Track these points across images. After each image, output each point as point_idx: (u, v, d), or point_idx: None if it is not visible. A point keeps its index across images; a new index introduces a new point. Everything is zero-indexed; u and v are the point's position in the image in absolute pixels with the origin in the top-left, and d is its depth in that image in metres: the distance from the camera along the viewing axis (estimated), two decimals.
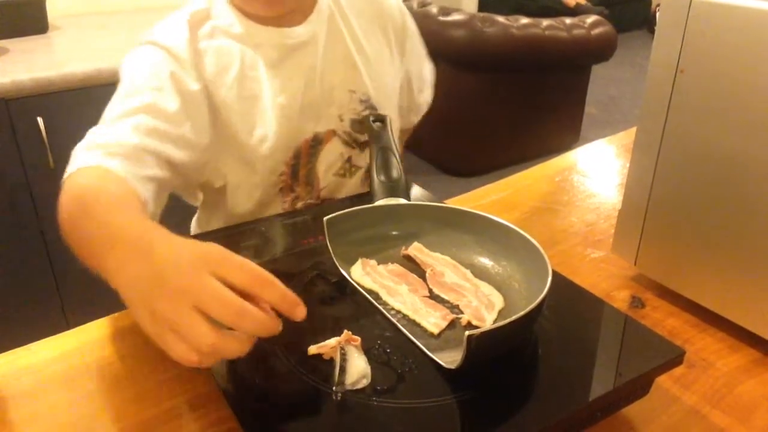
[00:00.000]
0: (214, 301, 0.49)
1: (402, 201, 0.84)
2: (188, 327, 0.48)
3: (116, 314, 0.77)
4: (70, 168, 0.74)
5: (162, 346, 0.50)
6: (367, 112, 1.01)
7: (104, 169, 0.73)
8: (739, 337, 0.75)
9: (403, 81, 1.12)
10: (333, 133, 1.00)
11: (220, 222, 1.04)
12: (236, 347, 0.50)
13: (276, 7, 0.92)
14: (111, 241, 0.58)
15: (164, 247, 0.54)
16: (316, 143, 0.99)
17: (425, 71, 1.19)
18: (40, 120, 1.60)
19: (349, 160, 1.03)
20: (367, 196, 0.87)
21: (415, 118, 1.21)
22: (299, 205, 1.01)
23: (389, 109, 1.05)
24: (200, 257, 0.51)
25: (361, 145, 1.03)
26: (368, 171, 1.02)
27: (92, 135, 0.80)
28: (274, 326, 0.51)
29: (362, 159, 1.04)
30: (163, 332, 0.49)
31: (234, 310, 0.49)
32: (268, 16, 0.93)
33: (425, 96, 1.20)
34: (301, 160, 0.98)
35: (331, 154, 1.01)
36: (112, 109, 0.83)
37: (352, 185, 1.04)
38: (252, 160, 0.95)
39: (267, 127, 0.93)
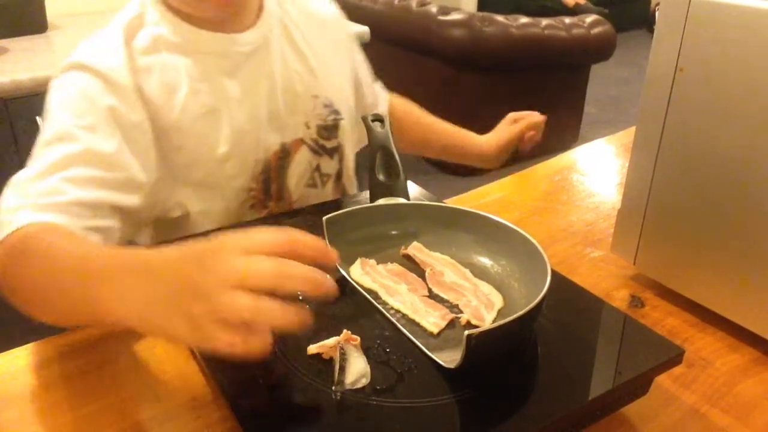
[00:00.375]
0: (250, 274, 0.47)
1: (401, 200, 0.84)
2: (229, 305, 0.47)
3: None
4: None
5: (210, 345, 0.48)
6: (332, 117, 0.99)
7: (37, 223, 0.67)
8: (738, 337, 0.75)
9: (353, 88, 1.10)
10: (300, 142, 0.96)
11: None
12: (278, 309, 0.48)
13: (229, 7, 0.87)
14: (98, 273, 0.56)
15: (166, 259, 0.53)
16: (284, 155, 0.95)
17: (370, 77, 1.16)
18: (39, 120, 1.60)
19: (318, 168, 0.99)
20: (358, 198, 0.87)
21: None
22: None
23: (348, 113, 1.03)
24: (218, 248, 0.50)
25: (330, 152, 1.00)
26: (338, 179, 1.02)
27: (16, 190, 0.71)
28: (318, 278, 0.49)
29: (331, 166, 1.01)
30: (206, 330, 0.47)
31: (273, 272, 0.48)
32: (213, 22, 0.86)
33: (375, 100, 1.17)
34: (271, 174, 0.94)
35: (301, 165, 0.97)
36: (39, 157, 0.74)
37: (324, 196, 1.01)
38: (216, 184, 0.89)
39: (229, 143, 0.87)
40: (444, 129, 1.21)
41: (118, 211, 0.78)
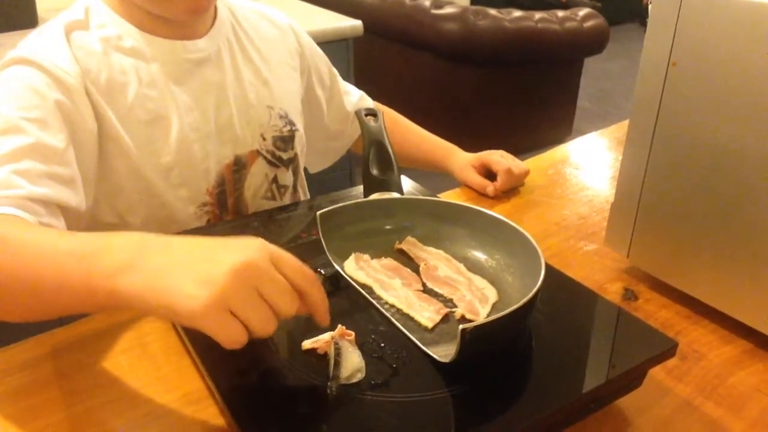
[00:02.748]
0: (289, 269, 0.52)
1: (395, 195, 0.84)
2: (277, 294, 0.51)
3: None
4: None
5: (215, 328, 0.50)
6: (288, 128, 0.98)
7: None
8: (731, 329, 0.76)
9: (317, 98, 1.09)
10: (256, 153, 0.95)
11: None
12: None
13: (197, 13, 0.85)
14: (101, 248, 0.54)
15: (184, 238, 0.54)
16: (239, 167, 0.93)
17: (343, 84, 1.15)
18: None
19: (275, 180, 0.98)
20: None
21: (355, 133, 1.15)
22: None
23: (300, 125, 1.02)
24: (261, 243, 0.53)
25: (286, 164, 1.00)
26: (294, 190, 1.02)
27: None
28: (326, 309, 0.56)
29: (287, 177, 1.00)
30: (222, 314, 0.49)
31: (306, 275, 0.53)
32: (165, 27, 0.85)
33: (353, 98, 1.15)
34: (226, 188, 0.92)
35: (257, 177, 0.96)
36: None
37: None
38: (159, 193, 0.86)
39: (175, 152, 0.85)
40: (430, 145, 1.18)
41: (64, 211, 0.75)
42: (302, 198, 1.06)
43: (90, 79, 0.80)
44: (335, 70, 1.13)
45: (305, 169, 1.09)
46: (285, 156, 0.99)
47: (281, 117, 0.97)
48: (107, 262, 0.53)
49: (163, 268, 0.51)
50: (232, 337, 0.50)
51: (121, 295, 0.52)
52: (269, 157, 0.97)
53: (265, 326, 0.51)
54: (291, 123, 0.99)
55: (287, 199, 1.02)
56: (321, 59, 1.10)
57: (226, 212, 0.94)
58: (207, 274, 0.49)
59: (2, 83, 0.77)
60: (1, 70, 0.78)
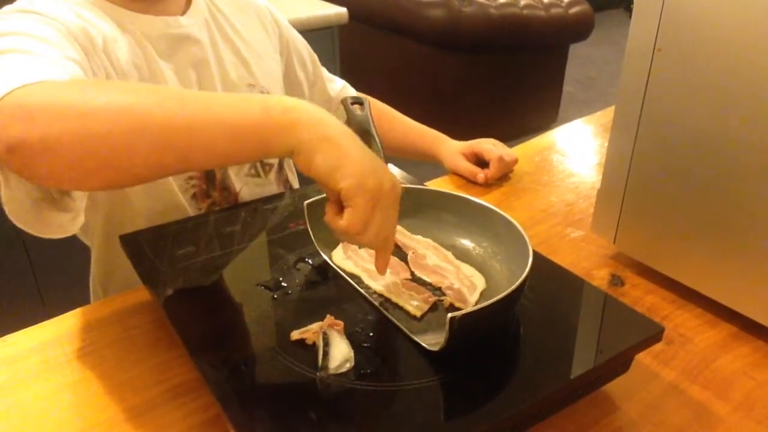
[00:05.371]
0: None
1: None
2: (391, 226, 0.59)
3: (95, 303, 0.76)
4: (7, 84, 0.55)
5: (360, 205, 0.55)
6: None
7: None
8: (716, 313, 0.77)
9: (298, 80, 1.08)
10: None
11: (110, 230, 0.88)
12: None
13: None
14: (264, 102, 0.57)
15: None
16: None
17: (325, 71, 1.15)
18: None
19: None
20: None
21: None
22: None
23: None
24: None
25: None
26: (280, 169, 1.01)
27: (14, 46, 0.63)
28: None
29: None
30: (369, 202, 0.56)
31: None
32: (144, 5, 0.83)
33: (336, 86, 1.15)
34: None
35: None
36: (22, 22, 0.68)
37: (267, 185, 1.00)
38: None
39: None
40: (416, 134, 1.18)
41: None
42: (289, 176, 1.05)
43: (89, 37, 0.77)
44: (315, 56, 1.13)
45: None
46: None
47: (263, 95, 0.97)
48: (288, 102, 0.58)
49: (338, 135, 0.57)
50: (356, 223, 0.55)
51: (299, 123, 0.56)
52: None
53: (383, 240, 0.59)
54: None
55: (272, 177, 1.01)
56: (300, 42, 1.10)
57: (213, 187, 0.94)
58: (383, 171, 0.58)
59: (5, 18, 0.71)
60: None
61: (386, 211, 0.57)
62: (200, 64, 0.90)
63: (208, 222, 0.82)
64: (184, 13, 0.89)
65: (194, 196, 0.92)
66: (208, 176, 0.92)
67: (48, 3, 0.75)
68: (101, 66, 0.77)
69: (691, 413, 0.64)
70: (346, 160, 0.56)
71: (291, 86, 1.08)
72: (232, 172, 0.95)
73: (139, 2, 0.84)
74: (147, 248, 0.75)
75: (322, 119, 0.57)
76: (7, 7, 0.74)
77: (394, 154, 1.17)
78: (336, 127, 0.57)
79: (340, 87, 1.15)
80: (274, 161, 1.01)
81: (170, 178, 0.88)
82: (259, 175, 0.99)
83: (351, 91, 1.17)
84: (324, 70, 1.14)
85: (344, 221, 0.56)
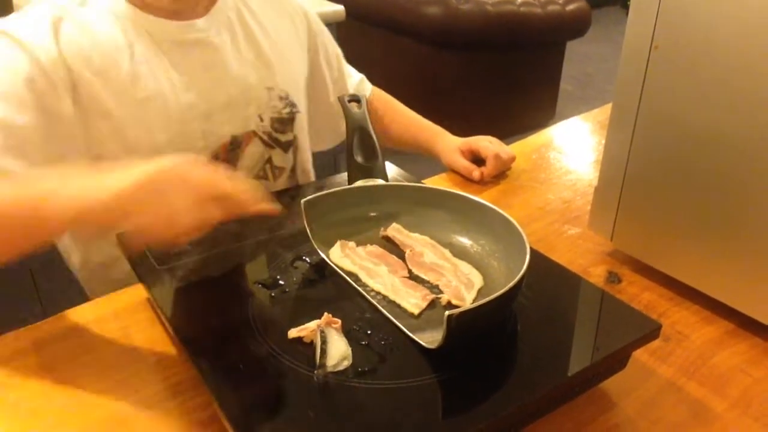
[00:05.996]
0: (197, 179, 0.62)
1: (380, 181, 0.83)
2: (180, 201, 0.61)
3: (93, 301, 0.76)
4: None
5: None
6: (288, 110, 0.97)
7: None
8: (713, 310, 0.77)
9: (317, 78, 1.09)
10: (253, 134, 0.94)
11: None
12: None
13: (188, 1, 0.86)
14: (73, 173, 0.64)
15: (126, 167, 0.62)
16: (234, 147, 0.93)
17: (348, 66, 1.15)
18: None
19: (269, 161, 0.98)
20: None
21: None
22: None
23: (303, 106, 1.01)
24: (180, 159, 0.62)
25: (284, 146, 0.99)
26: (292, 172, 1.01)
27: None
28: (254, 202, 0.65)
29: (285, 160, 1.00)
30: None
31: (214, 183, 0.63)
32: (165, 9, 0.84)
33: (361, 88, 1.16)
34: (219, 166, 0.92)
35: (251, 157, 0.95)
36: None
37: (275, 189, 0.99)
38: None
39: (169, 131, 0.85)
40: (417, 128, 1.19)
41: None
42: (301, 181, 1.05)
43: (82, 57, 0.79)
44: (340, 51, 1.13)
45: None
46: (283, 138, 0.98)
47: (281, 98, 0.97)
48: (78, 184, 0.63)
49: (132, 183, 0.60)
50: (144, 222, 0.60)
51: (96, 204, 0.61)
52: (265, 138, 0.96)
53: (161, 227, 0.60)
54: (292, 105, 0.98)
55: (282, 181, 1.01)
56: (327, 37, 1.10)
57: None
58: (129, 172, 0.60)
59: None
60: None
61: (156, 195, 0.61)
62: (215, 66, 0.89)
63: None
64: (206, 12, 0.89)
65: None
66: None
67: (28, 27, 0.77)
68: (87, 92, 0.80)
69: (688, 410, 0.64)
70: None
71: (314, 83, 1.09)
72: (241, 174, 0.95)
73: (162, 10, 0.84)
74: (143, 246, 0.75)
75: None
76: None
77: (395, 146, 1.19)
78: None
79: (357, 81, 1.16)
80: (286, 165, 1.01)
81: None
82: (267, 178, 0.99)
83: (367, 85, 1.18)
84: (347, 66, 1.15)
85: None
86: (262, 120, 0.95)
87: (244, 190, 0.64)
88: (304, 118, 1.01)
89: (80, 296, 0.85)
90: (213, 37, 0.89)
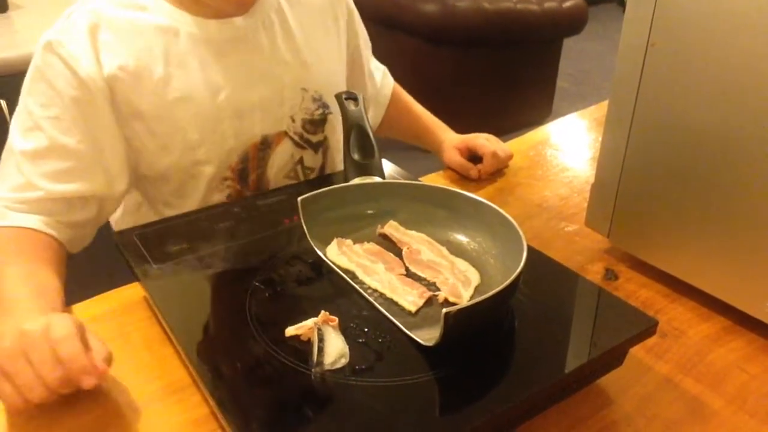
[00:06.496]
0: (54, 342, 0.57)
1: (377, 179, 0.83)
2: (39, 362, 0.56)
3: (87, 301, 0.76)
4: None
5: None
6: (321, 112, 0.97)
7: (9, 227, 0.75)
8: (709, 306, 0.77)
9: (356, 71, 1.10)
10: (284, 134, 0.94)
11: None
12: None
13: (246, 7, 0.87)
14: None
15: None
16: (265, 146, 0.93)
17: (373, 60, 1.17)
18: (3, 102, 1.56)
19: (300, 161, 0.98)
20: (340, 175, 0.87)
21: (378, 111, 1.17)
22: None
23: (335, 107, 1.00)
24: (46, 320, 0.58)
25: (314, 146, 0.99)
26: (322, 172, 1.01)
27: None
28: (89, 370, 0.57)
29: (315, 160, 1.00)
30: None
31: (64, 346, 0.57)
32: (200, 5, 0.84)
33: (385, 82, 1.18)
34: (249, 165, 0.92)
35: (281, 157, 0.95)
36: (15, 143, 0.79)
37: None
38: (185, 167, 0.88)
39: (202, 129, 0.86)
40: (419, 125, 1.20)
41: (94, 199, 0.82)
42: None
43: (118, 64, 0.80)
44: (370, 45, 1.15)
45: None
46: (314, 139, 0.98)
47: (315, 100, 0.96)
48: None
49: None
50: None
51: None
52: (296, 138, 0.96)
53: (28, 391, 0.56)
54: (324, 106, 0.98)
55: None
56: (362, 31, 1.11)
57: (246, 188, 0.94)
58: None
59: (33, 71, 0.81)
60: (38, 51, 0.80)
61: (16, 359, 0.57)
62: (251, 66, 0.89)
63: (201, 218, 0.81)
64: (247, 8, 0.88)
65: (229, 196, 0.93)
66: (241, 176, 0.92)
67: (71, 41, 0.79)
68: (122, 94, 0.82)
69: (684, 406, 0.64)
70: None
71: (354, 80, 1.09)
72: (271, 173, 0.95)
73: (200, 5, 0.84)
74: (141, 245, 0.74)
75: None
76: (45, 37, 0.80)
77: (401, 139, 1.19)
78: None
79: (381, 74, 1.18)
80: (316, 165, 1.01)
81: (203, 179, 0.90)
82: (297, 178, 0.99)
83: (389, 79, 1.19)
84: (373, 60, 1.16)
85: None
86: (293, 121, 0.95)
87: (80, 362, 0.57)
88: (336, 119, 1.00)
89: (76, 294, 0.84)
90: (251, 35, 0.89)
